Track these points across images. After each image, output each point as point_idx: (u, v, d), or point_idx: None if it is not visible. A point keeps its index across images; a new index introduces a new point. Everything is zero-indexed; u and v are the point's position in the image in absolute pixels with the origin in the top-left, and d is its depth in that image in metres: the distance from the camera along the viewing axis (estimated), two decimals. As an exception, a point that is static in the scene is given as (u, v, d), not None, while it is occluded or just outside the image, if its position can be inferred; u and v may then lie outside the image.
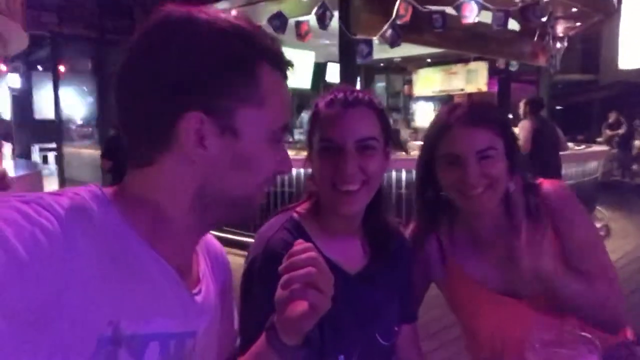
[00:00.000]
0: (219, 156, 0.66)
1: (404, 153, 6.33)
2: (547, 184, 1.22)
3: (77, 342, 0.57)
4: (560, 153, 5.72)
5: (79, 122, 14.22)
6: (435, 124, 1.22)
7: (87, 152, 10.26)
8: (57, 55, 10.81)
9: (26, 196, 0.59)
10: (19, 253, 0.53)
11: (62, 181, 10.66)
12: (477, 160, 1.11)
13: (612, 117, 11.72)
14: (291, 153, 0.82)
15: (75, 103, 13.76)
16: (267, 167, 0.71)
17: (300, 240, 0.76)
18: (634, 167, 11.74)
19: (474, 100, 1.22)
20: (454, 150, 1.13)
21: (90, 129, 13.45)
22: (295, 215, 1.07)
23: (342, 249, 1.05)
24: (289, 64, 0.73)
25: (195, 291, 0.74)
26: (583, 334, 0.77)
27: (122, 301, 0.61)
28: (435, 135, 1.19)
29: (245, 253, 1.06)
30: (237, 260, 0.95)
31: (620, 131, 11.06)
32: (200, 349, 0.74)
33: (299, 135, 9.76)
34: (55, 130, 10.98)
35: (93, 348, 0.58)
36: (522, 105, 5.80)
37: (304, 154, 1.12)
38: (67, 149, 11.06)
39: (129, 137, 0.69)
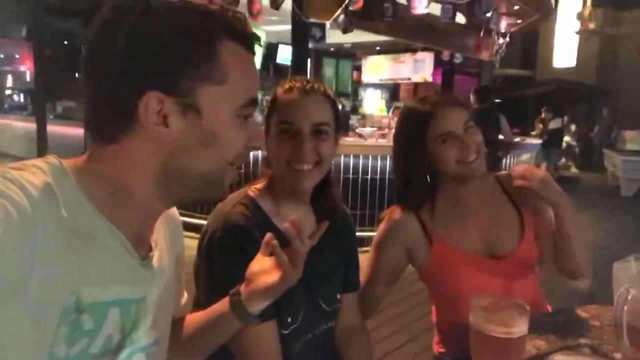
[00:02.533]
0: (183, 134, 0.67)
1: (352, 139, 6.44)
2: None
3: (44, 311, 0.60)
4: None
5: (9, 91, 13.37)
6: (411, 116, 1.38)
7: (21, 125, 9.68)
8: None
9: None
10: None
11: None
12: (464, 132, 1.30)
13: (544, 113, 12.41)
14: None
15: (5, 70, 12.92)
16: (234, 144, 0.72)
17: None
18: (562, 161, 12.56)
19: (437, 91, 1.45)
20: (445, 129, 1.31)
21: (21, 98, 12.68)
22: (250, 192, 1.14)
23: None
24: (254, 37, 0.73)
25: (146, 260, 0.76)
26: (515, 300, 0.88)
27: (82, 271, 0.64)
28: (421, 124, 1.33)
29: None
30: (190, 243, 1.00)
31: (554, 126, 11.71)
32: (154, 312, 0.78)
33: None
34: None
35: (58, 316, 0.61)
36: (471, 95, 6.05)
37: None
38: (-2, 120, 10.40)
39: (93, 116, 0.70)
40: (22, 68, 13.30)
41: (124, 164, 0.69)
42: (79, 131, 7.59)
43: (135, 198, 0.70)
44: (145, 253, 0.77)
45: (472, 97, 5.97)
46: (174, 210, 0.93)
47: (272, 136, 1.10)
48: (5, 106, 12.53)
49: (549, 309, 1.43)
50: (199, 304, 1.03)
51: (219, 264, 1.02)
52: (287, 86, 1.11)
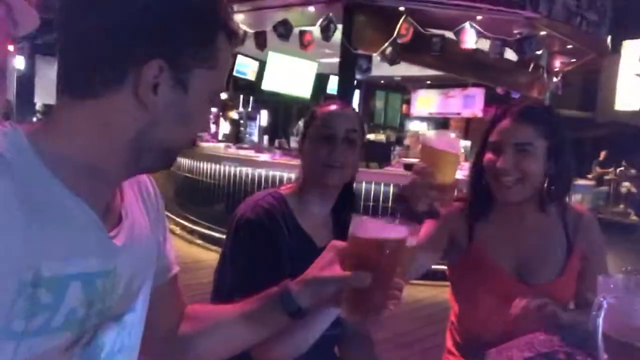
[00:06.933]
0: (166, 107, 0.69)
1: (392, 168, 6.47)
2: (580, 208, 1.45)
3: None
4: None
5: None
6: (490, 119, 1.38)
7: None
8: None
9: None
10: None
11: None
12: (515, 151, 1.25)
13: (603, 156, 11.93)
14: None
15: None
16: (201, 124, 0.77)
17: None
18: (621, 206, 11.95)
19: (529, 102, 1.41)
20: (496, 138, 1.30)
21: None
22: (281, 191, 1.29)
23: (315, 225, 1.26)
24: (238, 39, 0.78)
25: (115, 232, 0.74)
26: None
27: (43, 246, 0.62)
28: (488, 126, 1.35)
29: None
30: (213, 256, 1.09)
31: (611, 169, 11.24)
32: (126, 282, 0.76)
33: (295, 143, 9.89)
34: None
35: (14, 292, 0.59)
36: None
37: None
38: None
39: (72, 65, 0.68)
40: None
41: (99, 126, 0.67)
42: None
43: (101, 165, 0.69)
44: (113, 224, 0.74)
45: None
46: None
47: (311, 141, 1.26)
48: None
49: None
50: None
51: (246, 241, 1.16)
52: (324, 104, 1.31)
